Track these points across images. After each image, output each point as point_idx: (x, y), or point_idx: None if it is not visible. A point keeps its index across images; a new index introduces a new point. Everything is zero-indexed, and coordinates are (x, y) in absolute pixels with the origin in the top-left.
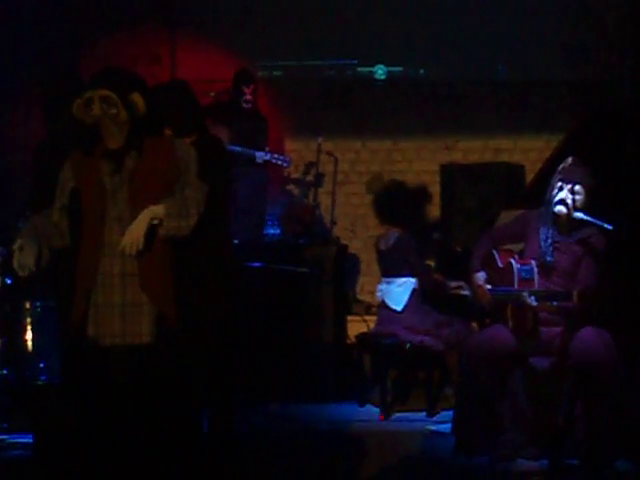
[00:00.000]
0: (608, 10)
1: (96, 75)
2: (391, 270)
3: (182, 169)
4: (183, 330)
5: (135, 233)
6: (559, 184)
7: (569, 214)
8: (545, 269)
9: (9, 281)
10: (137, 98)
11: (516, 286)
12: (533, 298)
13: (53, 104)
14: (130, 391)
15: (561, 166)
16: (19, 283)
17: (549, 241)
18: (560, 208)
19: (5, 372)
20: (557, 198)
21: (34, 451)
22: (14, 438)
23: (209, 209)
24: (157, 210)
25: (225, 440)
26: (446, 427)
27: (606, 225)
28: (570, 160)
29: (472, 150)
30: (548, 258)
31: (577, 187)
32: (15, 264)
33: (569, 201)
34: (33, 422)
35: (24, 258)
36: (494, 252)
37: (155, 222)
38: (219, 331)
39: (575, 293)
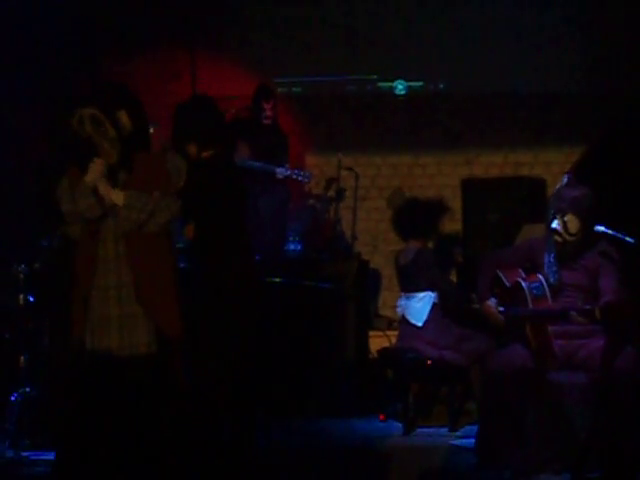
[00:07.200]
0: (628, 23)
1: (86, 92)
2: (411, 285)
3: (173, 181)
4: (188, 342)
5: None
6: (552, 211)
7: (565, 241)
8: (553, 289)
9: (31, 299)
10: (123, 116)
11: (530, 305)
12: None
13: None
14: (131, 401)
15: (556, 188)
16: (41, 300)
17: (552, 261)
18: (555, 237)
19: (27, 390)
20: (551, 227)
21: (56, 468)
22: (36, 455)
23: (226, 224)
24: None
25: (246, 456)
26: (469, 442)
27: (628, 238)
28: (564, 181)
29: (493, 164)
30: (551, 280)
31: (567, 217)
32: None
33: (561, 230)
34: (55, 439)
35: None
36: (499, 273)
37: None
38: (241, 346)
39: (597, 310)
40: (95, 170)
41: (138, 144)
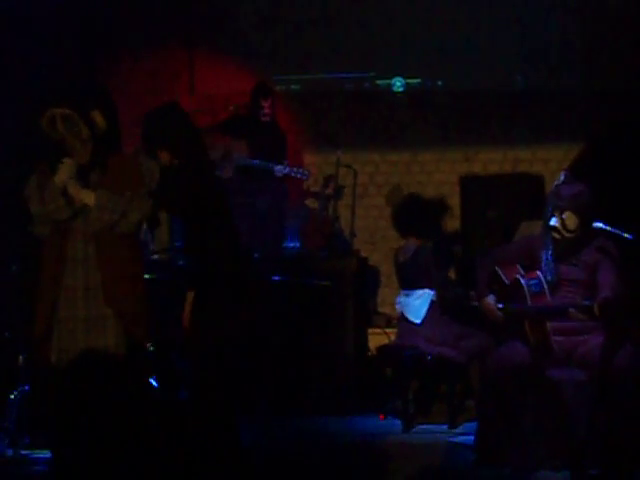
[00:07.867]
0: (627, 19)
1: (59, 91)
2: (409, 282)
3: (145, 182)
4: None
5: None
6: (550, 209)
7: (563, 238)
8: (552, 286)
9: None
10: (97, 116)
11: (529, 302)
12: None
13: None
14: (100, 403)
15: (554, 185)
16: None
17: (549, 259)
18: (554, 234)
19: (26, 388)
20: (549, 224)
21: (53, 467)
22: (35, 454)
23: (208, 225)
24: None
25: (245, 456)
26: (468, 439)
27: (626, 235)
28: (561, 178)
29: (491, 161)
30: (549, 277)
31: (565, 214)
32: None
33: (559, 227)
34: (52, 438)
35: None
36: (497, 270)
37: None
38: (239, 344)
39: (595, 306)
40: (65, 170)
41: (110, 144)
